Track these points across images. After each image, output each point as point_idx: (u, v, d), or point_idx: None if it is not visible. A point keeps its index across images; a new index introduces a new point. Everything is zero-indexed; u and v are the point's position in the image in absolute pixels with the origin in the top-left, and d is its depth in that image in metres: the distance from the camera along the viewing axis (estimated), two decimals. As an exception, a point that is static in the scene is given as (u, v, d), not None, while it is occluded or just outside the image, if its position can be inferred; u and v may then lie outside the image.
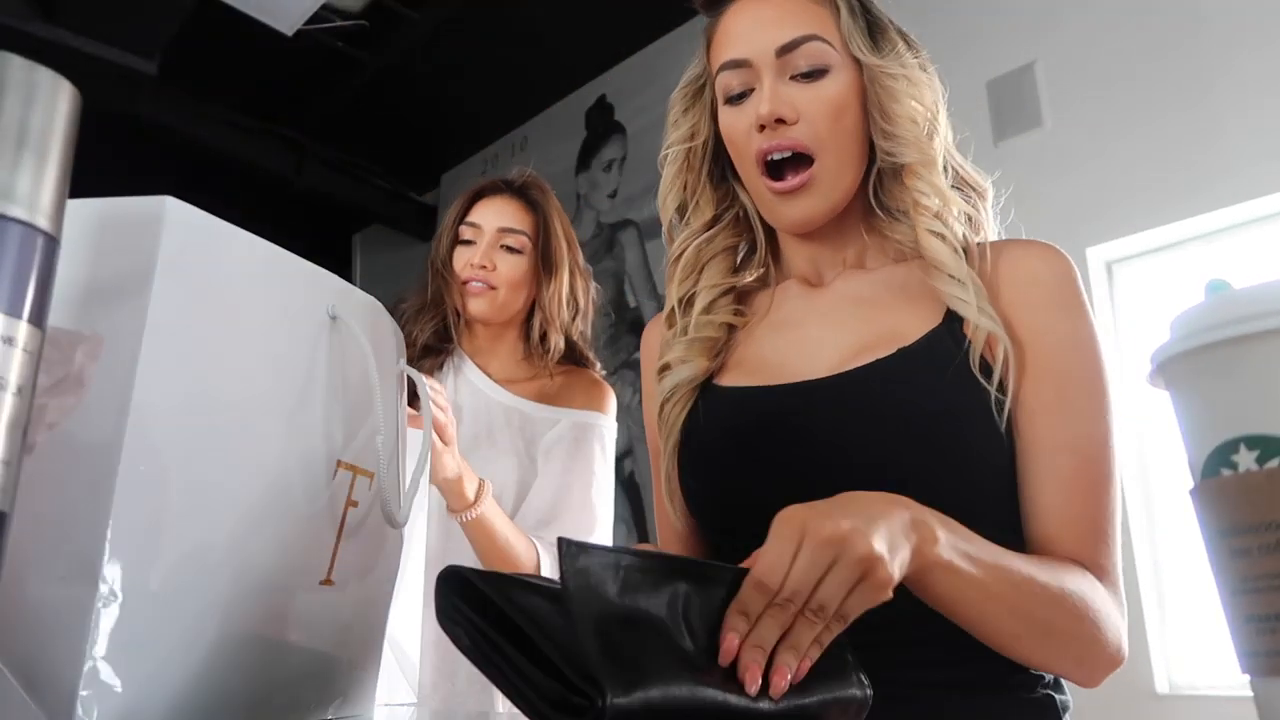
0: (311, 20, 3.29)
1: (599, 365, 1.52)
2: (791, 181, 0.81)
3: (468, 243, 1.45)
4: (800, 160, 0.81)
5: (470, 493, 1.23)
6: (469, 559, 1.31)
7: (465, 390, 1.45)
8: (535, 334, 1.46)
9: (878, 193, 0.85)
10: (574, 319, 1.49)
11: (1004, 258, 0.81)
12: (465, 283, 1.42)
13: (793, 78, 0.81)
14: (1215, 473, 0.36)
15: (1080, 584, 0.69)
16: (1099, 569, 0.73)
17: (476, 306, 1.43)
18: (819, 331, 0.85)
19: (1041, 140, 2.45)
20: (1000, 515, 0.76)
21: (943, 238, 0.80)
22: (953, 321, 0.78)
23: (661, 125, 0.94)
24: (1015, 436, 0.77)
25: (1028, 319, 0.78)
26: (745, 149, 0.83)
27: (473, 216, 1.46)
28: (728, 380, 0.87)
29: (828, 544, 0.52)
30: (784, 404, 0.81)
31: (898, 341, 0.79)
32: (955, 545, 0.61)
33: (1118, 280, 2.38)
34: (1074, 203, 2.31)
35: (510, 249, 1.43)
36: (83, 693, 0.42)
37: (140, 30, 3.06)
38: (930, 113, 0.82)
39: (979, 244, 0.82)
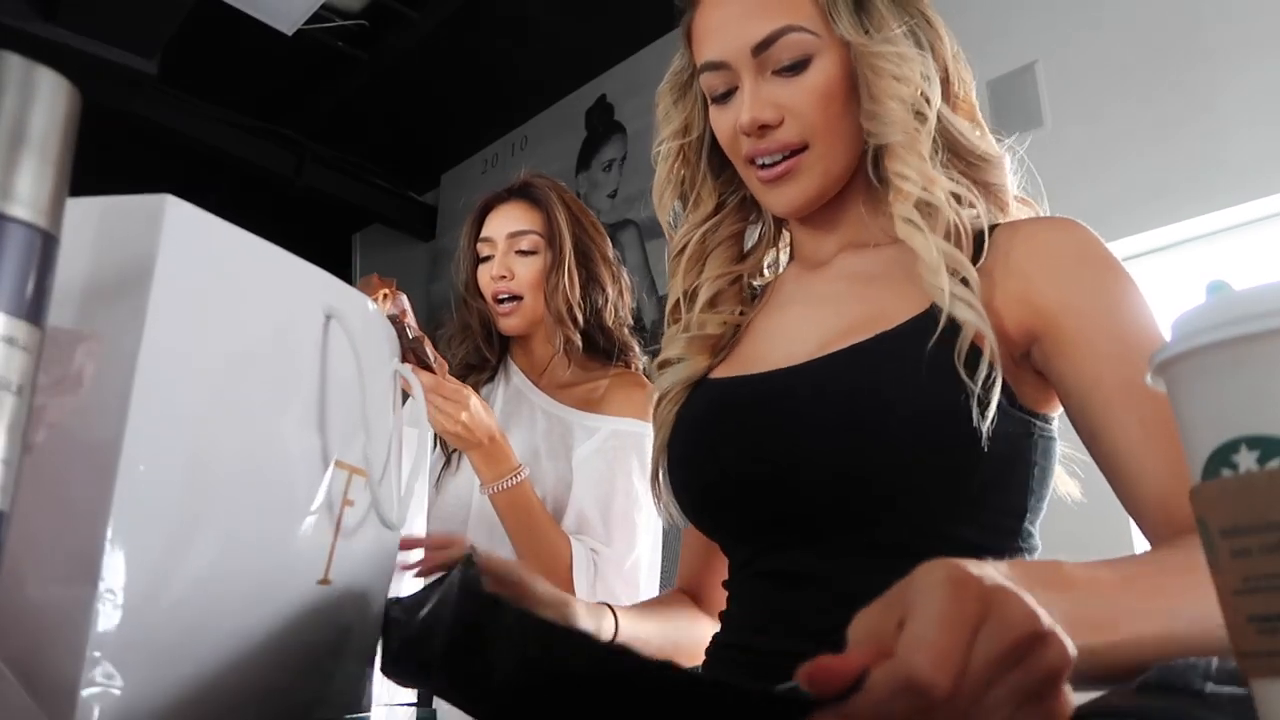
0: (311, 20, 3.29)
1: (636, 350, 1.47)
2: (776, 170, 0.78)
3: (487, 258, 1.45)
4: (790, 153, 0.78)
5: (493, 465, 1.23)
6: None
7: (512, 399, 1.44)
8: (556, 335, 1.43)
9: (877, 167, 0.80)
10: (603, 308, 1.45)
11: (1018, 237, 0.75)
12: (494, 298, 1.43)
13: (775, 73, 0.77)
14: (1216, 473, 0.36)
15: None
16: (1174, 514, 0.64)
17: (508, 324, 1.43)
18: (806, 313, 0.83)
19: (1041, 140, 2.45)
20: (956, 512, 0.71)
21: (914, 225, 0.74)
22: (937, 309, 0.72)
23: (661, 125, 0.92)
24: (1080, 406, 0.70)
25: (1053, 291, 0.71)
26: (734, 148, 0.82)
27: (485, 231, 1.46)
28: (718, 373, 0.86)
29: (1022, 642, 0.36)
30: (757, 391, 0.78)
31: (880, 325, 0.74)
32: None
33: (1118, 280, 2.38)
34: (1074, 203, 2.30)
35: (523, 252, 1.42)
36: (83, 693, 0.42)
37: (140, 30, 3.06)
38: (918, 89, 0.75)
39: (992, 225, 0.77)
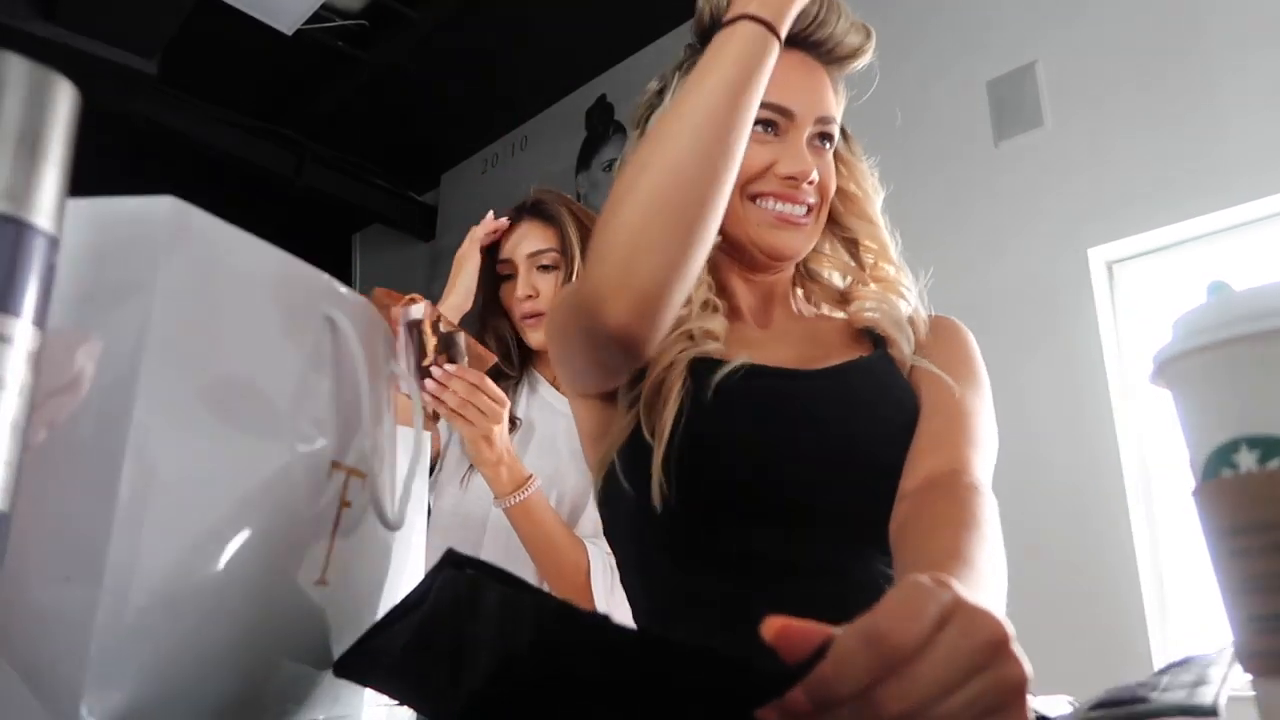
0: (311, 20, 3.29)
1: None
2: (799, 217, 0.90)
3: (508, 278, 1.48)
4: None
5: (510, 478, 1.26)
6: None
7: (536, 405, 1.47)
8: None
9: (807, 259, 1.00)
10: None
11: (933, 326, 0.97)
12: (523, 318, 1.45)
13: (810, 142, 0.90)
14: (1216, 473, 0.36)
15: (977, 527, 0.70)
16: (966, 467, 0.78)
17: (537, 338, 1.45)
18: (770, 350, 0.90)
19: (1041, 140, 2.45)
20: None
21: (893, 283, 0.98)
22: (884, 351, 0.92)
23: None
24: None
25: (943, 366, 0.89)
26: (756, 180, 0.89)
27: (502, 253, 1.49)
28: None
29: (986, 647, 0.37)
30: (813, 385, 0.87)
31: (847, 357, 0.90)
32: None
33: (1118, 281, 2.38)
34: (1074, 203, 2.31)
35: (544, 268, 1.45)
36: (87, 693, 0.42)
37: (140, 30, 3.06)
38: (880, 197, 0.98)
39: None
